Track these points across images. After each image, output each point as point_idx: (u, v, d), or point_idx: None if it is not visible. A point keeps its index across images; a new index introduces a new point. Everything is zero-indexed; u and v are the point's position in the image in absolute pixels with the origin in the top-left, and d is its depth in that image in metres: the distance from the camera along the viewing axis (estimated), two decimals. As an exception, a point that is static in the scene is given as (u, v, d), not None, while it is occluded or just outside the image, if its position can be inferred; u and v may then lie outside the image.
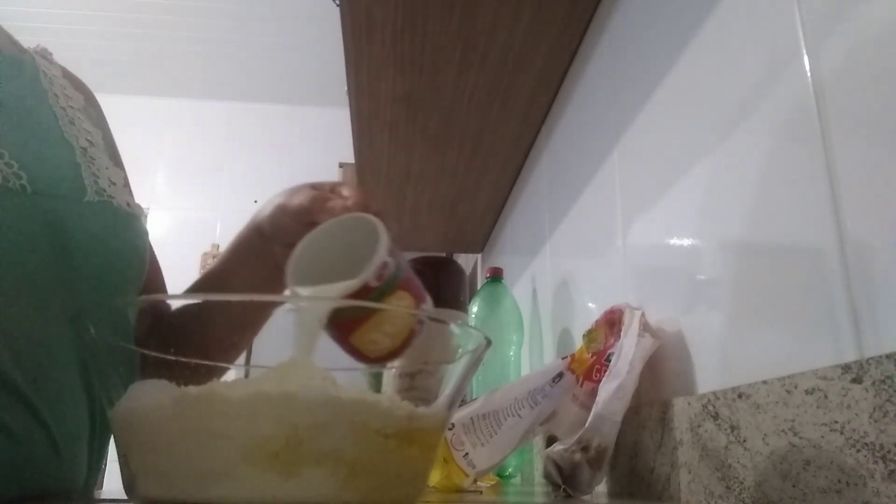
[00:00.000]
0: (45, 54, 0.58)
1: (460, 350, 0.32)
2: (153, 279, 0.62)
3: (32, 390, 0.43)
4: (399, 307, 0.38)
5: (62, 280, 0.45)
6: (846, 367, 0.33)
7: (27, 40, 0.58)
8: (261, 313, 0.55)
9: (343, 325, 0.36)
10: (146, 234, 0.55)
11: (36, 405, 0.43)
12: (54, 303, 0.45)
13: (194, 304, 0.57)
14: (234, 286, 0.59)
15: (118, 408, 0.29)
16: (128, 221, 0.52)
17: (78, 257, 0.47)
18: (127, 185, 0.55)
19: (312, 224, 0.45)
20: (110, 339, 0.31)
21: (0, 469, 0.42)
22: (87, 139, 0.54)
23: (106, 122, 0.63)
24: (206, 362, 0.53)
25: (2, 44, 0.54)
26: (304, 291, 0.38)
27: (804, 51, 0.40)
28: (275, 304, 0.47)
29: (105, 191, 0.51)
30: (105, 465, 0.53)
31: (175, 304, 0.52)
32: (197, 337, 0.43)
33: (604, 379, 0.56)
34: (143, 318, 0.33)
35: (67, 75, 0.59)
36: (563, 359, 0.65)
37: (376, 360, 0.39)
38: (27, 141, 0.47)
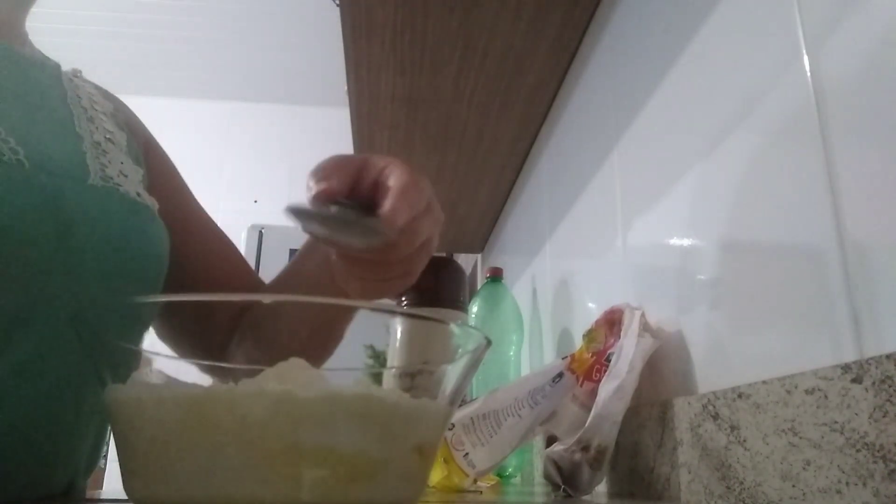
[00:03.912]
0: (75, 73, 0.59)
1: (460, 350, 0.32)
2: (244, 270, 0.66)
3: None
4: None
5: (63, 260, 0.44)
6: (846, 367, 0.33)
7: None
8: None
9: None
10: (161, 225, 0.53)
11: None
12: (55, 281, 0.44)
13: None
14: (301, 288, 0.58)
15: (118, 407, 0.29)
16: (135, 208, 0.51)
17: (79, 237, 0.45)
18: (143, 181, 0.55)
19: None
20: (113, 338, 0.31)
21: None
22: (106, 137, 0.53)
23: (142, 130, 0.64)
24: (205, 362, 0.53)
25: (30, 53, 0.55)
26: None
27: (804, 51, 0.40)
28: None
29: (112, 178, 0.50)
30: (105, 466, 0.53)
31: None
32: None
33: (604, 379, 0.56)
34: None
35: (98, 89, 0.61)
36: (563, 359, 0.65)
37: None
38: (31, 125, 0.47)
